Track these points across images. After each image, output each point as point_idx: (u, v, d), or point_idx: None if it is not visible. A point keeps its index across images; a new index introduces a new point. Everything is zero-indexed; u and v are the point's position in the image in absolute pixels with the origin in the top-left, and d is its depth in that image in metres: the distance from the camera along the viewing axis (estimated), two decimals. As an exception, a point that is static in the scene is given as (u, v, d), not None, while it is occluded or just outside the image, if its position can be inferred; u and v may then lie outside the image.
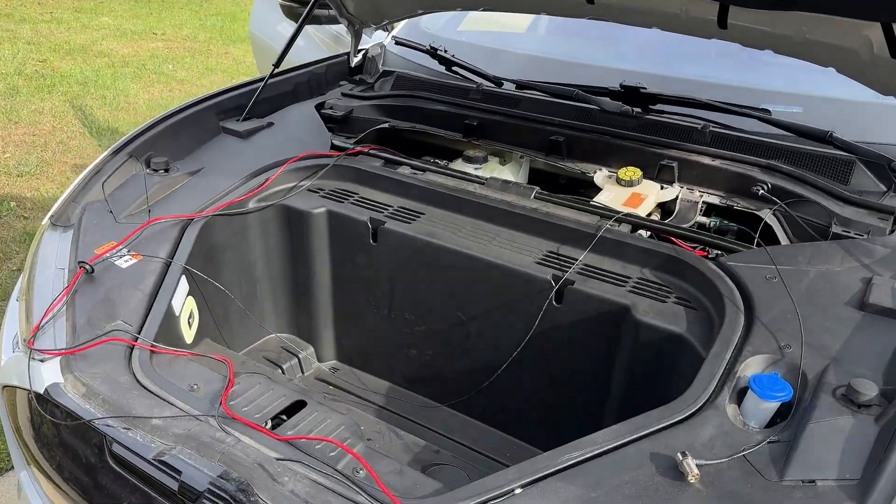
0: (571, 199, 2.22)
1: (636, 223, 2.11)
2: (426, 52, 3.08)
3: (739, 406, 1.45)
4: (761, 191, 2.15)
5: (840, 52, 2.05)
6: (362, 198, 2.37)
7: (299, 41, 3.07)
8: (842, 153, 2.25)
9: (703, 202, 2.23)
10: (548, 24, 3.33)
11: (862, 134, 2.33)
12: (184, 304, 1.97)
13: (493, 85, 2.88)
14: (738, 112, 2.43)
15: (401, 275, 2.26)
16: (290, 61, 3.01)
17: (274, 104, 2.89)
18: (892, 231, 1.96)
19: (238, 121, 2.68)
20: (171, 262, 1.96)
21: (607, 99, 2.52)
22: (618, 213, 2.11)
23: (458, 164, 2.60)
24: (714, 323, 1.75)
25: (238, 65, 8.84)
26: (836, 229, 1.97)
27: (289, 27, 5.16)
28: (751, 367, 1.55)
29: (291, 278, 2.45)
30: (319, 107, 2.91)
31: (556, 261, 2.02)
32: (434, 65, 3.11)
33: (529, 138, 2.57)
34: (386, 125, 2.80)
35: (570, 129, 2.50)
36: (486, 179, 2.31)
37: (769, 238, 2.07)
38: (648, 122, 2.45)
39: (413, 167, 2.45)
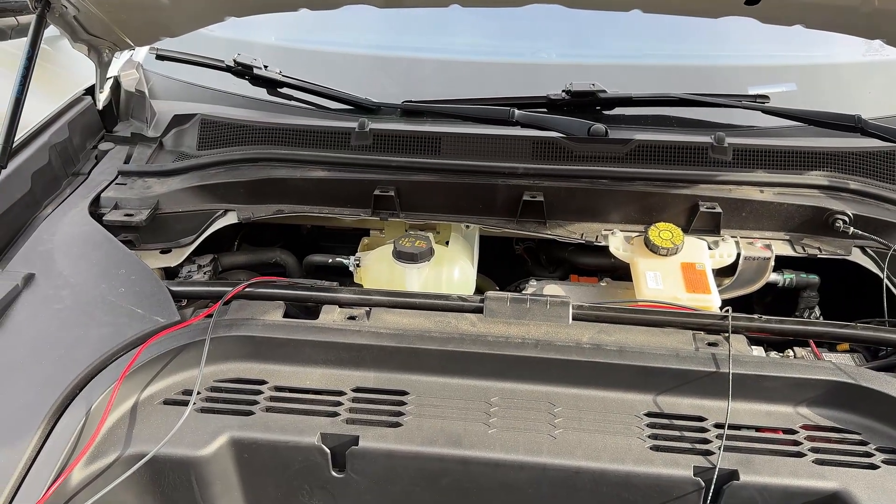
0: (623, 308, 1.43)
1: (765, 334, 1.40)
2: (232, 70, 1.96)
3: None
4: (842, 224, 1.57)
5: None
6: (280, 389, 1.32)
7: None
8: (882, 143, 1.75)
9: (775, 255, 1.59)
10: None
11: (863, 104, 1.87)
12: None
13: (363, 114, 1.90)
14: (733, 105, 1.81)
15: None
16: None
17: (8, 228, 1.60)
18: None
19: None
20: None
21: (577, 120, 1.71)
22: (720, 316, 1.38)
23: (382, 263, 1.64)
24: None
25: None
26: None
27: None
28: None
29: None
30: (95, 210, 1.69)
31: (675, 436, 1.24)
32: (230, 84, 2.00)
33: (483, 199, 1.69)
34: (236, 218, 1.70)
35: (546, 179, 1.67)
36: (482, 300, 1.41)
37: (868, 291, 1.52)
38: (643, 146, 1.71)
39: (343, 304, 1.44)
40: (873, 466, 1.19)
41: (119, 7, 1.65)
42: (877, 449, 1.21)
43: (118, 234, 1.63)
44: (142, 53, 2.22)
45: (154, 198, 1.71)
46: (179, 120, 1.94)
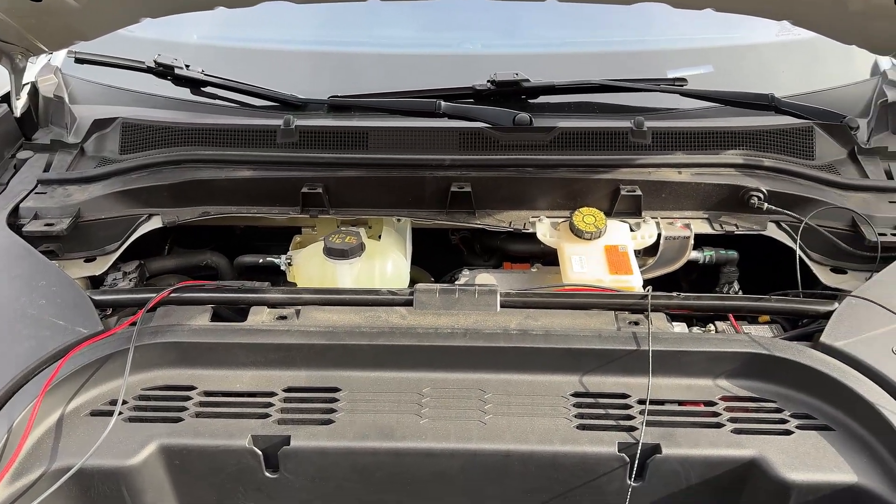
0: (549, 293, 1.46)
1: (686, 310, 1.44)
2: (153, 71, 1.93)
3: None
4: (757, 201, 1.63)
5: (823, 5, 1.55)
6: (209, 394, 1.32)
7: None
8: (795, 121, 1.81)
9: (694, 234, 1.64)
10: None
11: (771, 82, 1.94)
12: None
13: (290, 110, 1.89)
14: (651, 89, 1.86)
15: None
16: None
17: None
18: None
19: None
20: None
21: (502, 109, 1.73)
22: (641, 296, 1.42)
23: (314, 261, 1.63)
24: (872, 446, 1.21)
25: None
26: (879, 237, 1.54)
27: None
28: None
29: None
30: (14, 221, 1.64)
31: (600, 414, 1.28)
32: (153, 85, 1.98)
33: (412, 192, 1.70)
34: (161, 222, 1.67)
35: (473, 169, 1.69)
36: (412, 293, 1.42)
37: (784, 264, 1.59)
38: (566, 133, 1.74)
39: (272, 304, 1.43)
40: (788, 432, 1.24)
41: (27, 12, 1.60)
42: (791, 415, 1.27)
43: (39, 244, 1.59)
44: (60, 57, 2.16)
45: (75, 206, 1.67)
46: (100, 124, 1.90)
